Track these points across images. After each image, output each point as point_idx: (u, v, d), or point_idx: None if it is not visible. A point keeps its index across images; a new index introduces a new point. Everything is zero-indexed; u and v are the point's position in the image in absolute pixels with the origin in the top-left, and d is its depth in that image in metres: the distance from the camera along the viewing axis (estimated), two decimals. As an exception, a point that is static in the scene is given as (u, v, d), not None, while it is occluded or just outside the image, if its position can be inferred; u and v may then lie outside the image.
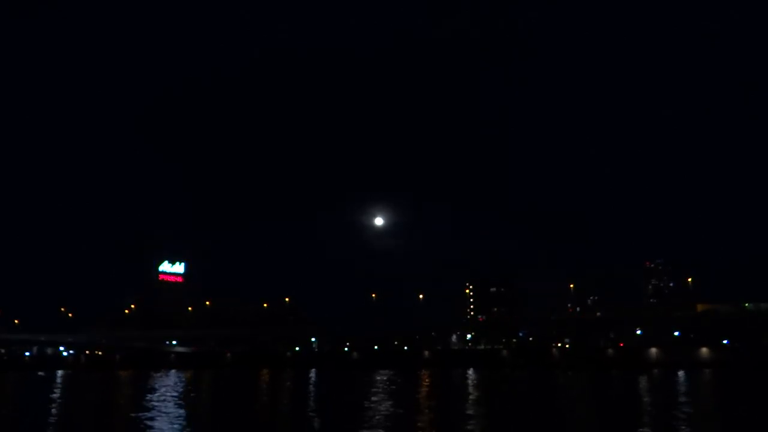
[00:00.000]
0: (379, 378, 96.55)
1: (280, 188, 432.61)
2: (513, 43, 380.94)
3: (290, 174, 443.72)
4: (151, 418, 43.35)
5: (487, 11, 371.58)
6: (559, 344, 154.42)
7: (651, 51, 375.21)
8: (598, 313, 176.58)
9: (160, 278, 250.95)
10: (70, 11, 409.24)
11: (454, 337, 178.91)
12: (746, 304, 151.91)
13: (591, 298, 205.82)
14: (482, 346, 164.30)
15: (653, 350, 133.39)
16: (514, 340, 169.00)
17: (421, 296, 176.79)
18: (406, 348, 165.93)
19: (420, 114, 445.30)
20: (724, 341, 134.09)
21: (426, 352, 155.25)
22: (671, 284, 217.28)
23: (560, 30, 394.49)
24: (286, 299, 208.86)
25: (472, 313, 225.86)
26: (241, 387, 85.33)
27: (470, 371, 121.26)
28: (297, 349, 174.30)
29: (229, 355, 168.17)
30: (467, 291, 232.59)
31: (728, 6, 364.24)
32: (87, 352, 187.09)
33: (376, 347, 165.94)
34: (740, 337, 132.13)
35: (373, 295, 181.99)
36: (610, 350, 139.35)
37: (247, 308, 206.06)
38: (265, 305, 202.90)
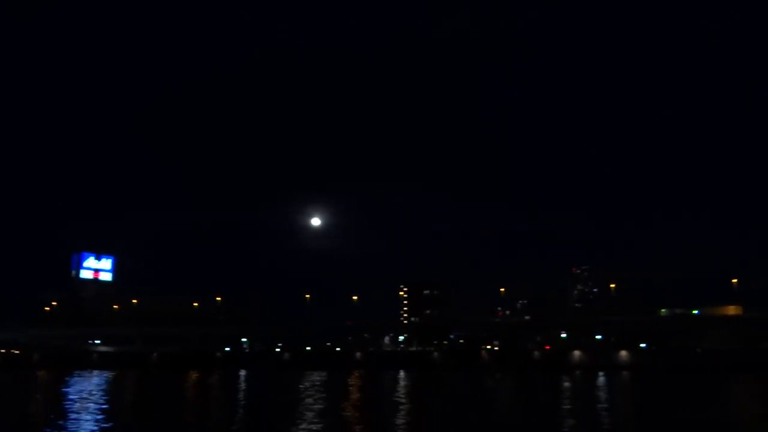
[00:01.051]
0: (309, 379, 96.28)
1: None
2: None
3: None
4: (61, 422, 41.75)
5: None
6: (489, 346, 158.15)
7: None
8: (527, 317, 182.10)
9: (84, 274, 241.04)
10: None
11: (386, 339, 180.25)
12: (662, 311, 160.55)
13: (520, 302, 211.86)
14: (414, 348, 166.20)
15: (576, 353, 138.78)
16: (445, 342, 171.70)
17: (355, 297, 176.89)
18: (338, 349, 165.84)
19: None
20: (642, 345, 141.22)
21: (358, 354, 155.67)
22: (595, 290, 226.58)
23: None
24: (218, 298, 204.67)
25: (405, 315, 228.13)
26: (164, 388, 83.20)
27: (401, 373, 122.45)
28: (227, 349, 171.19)
29: (155, 354, 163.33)
30: (401, 293, 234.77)
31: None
32: (3, 351, 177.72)
33: (308, 348, 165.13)
34: (655, 340, 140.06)
35: (307, 296, 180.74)
36: (536, 353, 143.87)
37: (177, 307, 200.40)
38: (195, 304, 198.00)
